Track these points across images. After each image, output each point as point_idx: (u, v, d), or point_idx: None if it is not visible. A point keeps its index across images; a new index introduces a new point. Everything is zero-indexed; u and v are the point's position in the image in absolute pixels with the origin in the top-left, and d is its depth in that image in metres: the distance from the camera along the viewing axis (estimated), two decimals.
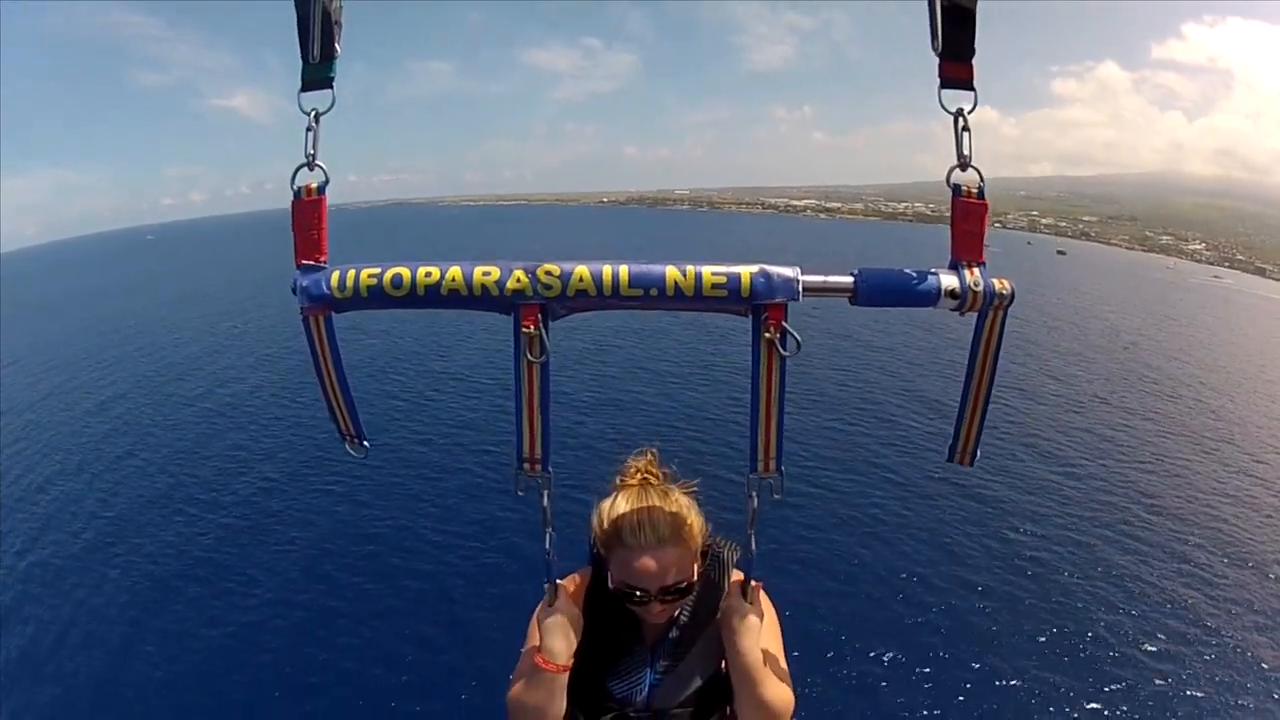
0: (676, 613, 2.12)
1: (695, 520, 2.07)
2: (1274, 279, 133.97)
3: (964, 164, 1.74)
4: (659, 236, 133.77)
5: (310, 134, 1.70)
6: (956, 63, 1.73)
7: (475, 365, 28.07)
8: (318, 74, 1.69)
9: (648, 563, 1.97)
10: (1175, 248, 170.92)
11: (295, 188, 1.70)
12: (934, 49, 1.71)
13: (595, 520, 2.09)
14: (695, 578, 2.07)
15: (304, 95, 1.70)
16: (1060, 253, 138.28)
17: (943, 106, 1.74)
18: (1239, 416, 31.31)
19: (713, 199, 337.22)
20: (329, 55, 1.68)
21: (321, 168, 1.71)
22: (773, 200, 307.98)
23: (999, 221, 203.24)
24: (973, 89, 1.74)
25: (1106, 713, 12.16)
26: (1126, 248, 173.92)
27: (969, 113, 1.73)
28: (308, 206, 1.71)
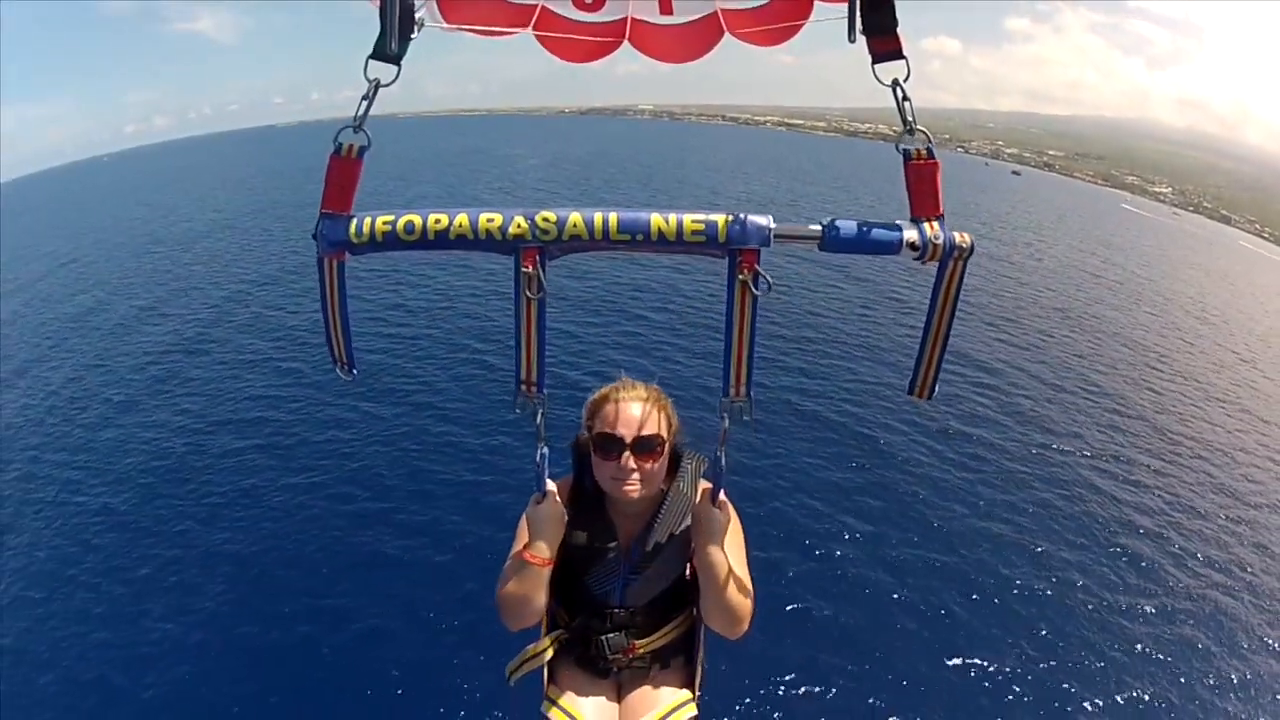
0: (649, 514, 2.34)
1: (669, 405, 2.32)
2: (1239, 228, 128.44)
3: (910, 129, 1.86)
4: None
5: (365, 101, 1.83)
6: (882, 37, 1.86)
7: (476, 305, 26.75)
8: (390, 50, 1.83)
9: (626, 410, 2.21)
10: (1140, 188, 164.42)
11: (337, 144, 1.83)
12: (850, 40, 1.86)
13: (587, 403, 2.33)
14: (666, 440, 2.27)
15: (371, 63, 1.82)
16: (1015, 173, 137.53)
17: (878, 80, 1.87)
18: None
19: (674, 112, 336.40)
20: (406, 38, 1.85)
21: (366, 133, 1.85)
22: (734, 114, 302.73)
23: (962, 147, 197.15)
24: (903, 57, 1.85)
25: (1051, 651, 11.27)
26: (1089, 181, 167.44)
27: (905, 80, 1.85)
28: (345, 164, 1.85)
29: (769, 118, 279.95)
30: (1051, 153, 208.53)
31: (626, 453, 2.18)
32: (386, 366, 20.16)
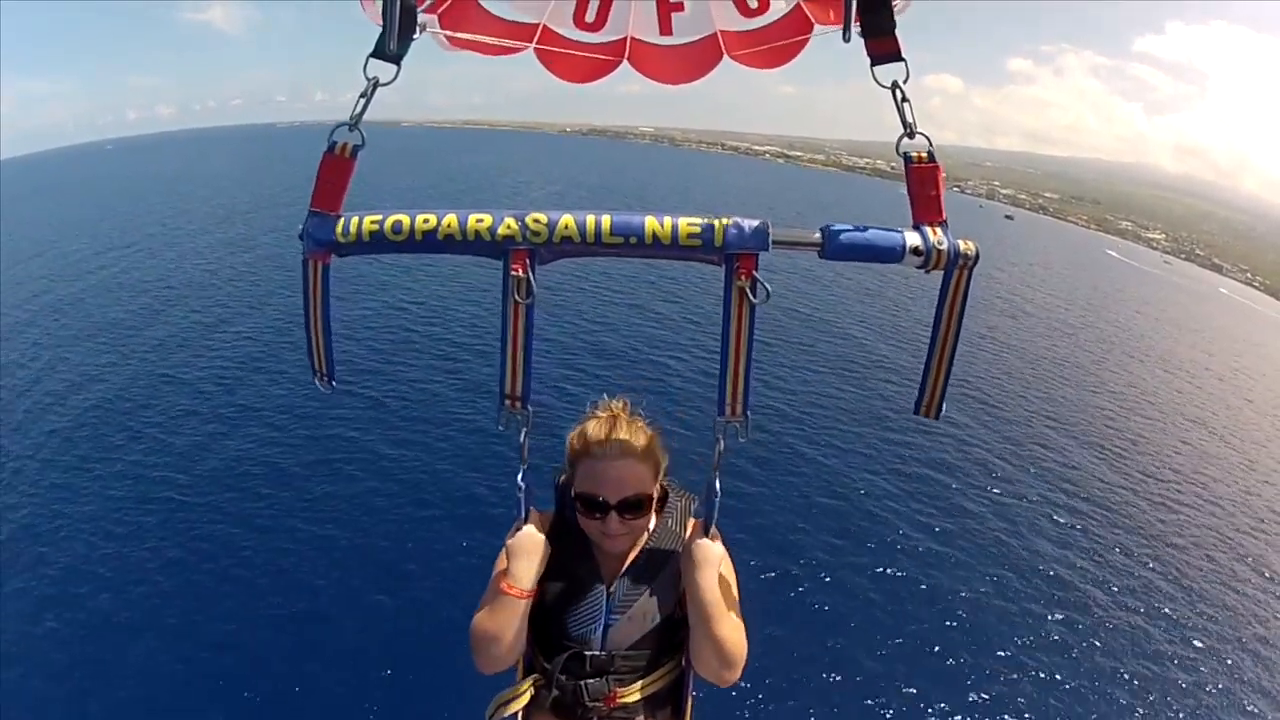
0: (634, 553, 2.21)
1: (656, 446, 2.19)
2: (1230, 276, 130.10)
3: (910, 132, 1.83)
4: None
5: (363, 99, 1.81)
6: (880, 39, 1.84)
7: (462, 314, 27.84)
8: (390, 49, 1.81)
9: (610, 472, 2.08)
10: (1134, 234, 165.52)
11: (331, 142, 1.80)
12: (845, 39, 1.84)
13: (568, 440, 2.18)
14: (654, 498, 2.17)
15: (371, 61, 1.80)
16: (1008, 218, 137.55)
17: (877, 82, 1.84)
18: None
19: (674, 137, 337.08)
20: (406, 38, 1.83)
21: (361, 132, 1.82)
22: (734, 143, 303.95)
23: (958, 186, 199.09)
24: (902, 59, 1.83)
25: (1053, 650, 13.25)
26: (1082, 226, 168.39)
27: (904, 83, 1.83)
28: (338, 163, 1.82)
29: (768, 148, 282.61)
30: (1047, 195, 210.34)
31: (611, 513, 2.10)
32: (370, 375, 21.09)
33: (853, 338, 29.89)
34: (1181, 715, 12.56)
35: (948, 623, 13.63)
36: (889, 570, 14.76)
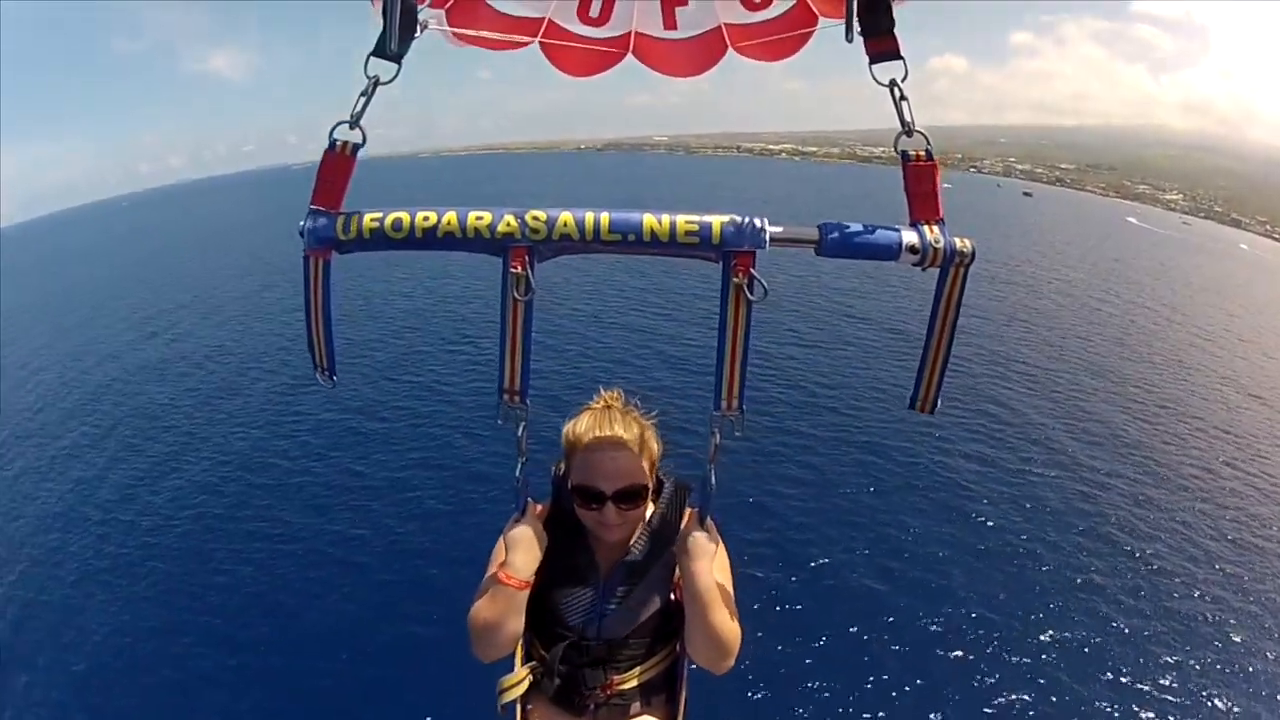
0: (630, 543, 2.25)
1: (650, 437, 2.24)
2: (1250, 231, 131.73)
3: (909, 130, 1.82)
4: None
5: (364, 97, 1.81)
6: (879, 37, 1.85)
7: (461, 310, 30.02)
8: (390, 49, 1.81)
9: (605, 464, 2.12)
10: (1152, 196, 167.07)
11: (332, 139, 1.81)
12: (847, 39, 1.85)
13: (564, 432, 2.23)
14: (649, 487, 2.20)
15: (372, 60, 1.81)
16: (1026, 194, 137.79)
17: (875, 80, 1.84)
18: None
19: (689, 145, 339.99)
20: (407, 38, 1.84)
21: (361, 130, 1.83)
22: (749, 145, 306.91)
23: (974, 166, 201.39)
24: (900, 58, 1.84)
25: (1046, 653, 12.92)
26: (1101, 194, 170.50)
27: (902, 80, 1.84)
28: (338, 160, 1.83)
29: (783, 146, 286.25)
30: (1063, 166, 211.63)
31: (608, 504, 2.13)
32: (371, 370, 23.26)
33: (898, 330, 30.62)
34: (1213, 655, 13.46)
35: (999, 583, 14.56)
36: (932, 540, 15.67)
